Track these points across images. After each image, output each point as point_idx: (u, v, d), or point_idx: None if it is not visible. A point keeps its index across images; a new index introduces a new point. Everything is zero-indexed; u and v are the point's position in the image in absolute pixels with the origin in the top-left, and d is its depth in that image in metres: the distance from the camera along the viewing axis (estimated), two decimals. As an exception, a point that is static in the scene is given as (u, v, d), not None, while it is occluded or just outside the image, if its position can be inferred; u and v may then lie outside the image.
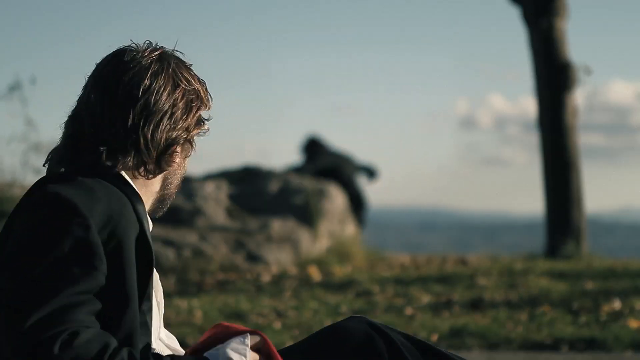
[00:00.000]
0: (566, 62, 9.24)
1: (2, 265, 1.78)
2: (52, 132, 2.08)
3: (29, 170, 7.69)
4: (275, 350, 1.91)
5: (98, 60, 2.01)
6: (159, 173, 2.00)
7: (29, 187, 1.88)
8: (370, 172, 10.88)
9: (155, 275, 1.99)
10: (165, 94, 1.94)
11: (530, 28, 9.33)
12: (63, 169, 1.95)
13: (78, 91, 2.01)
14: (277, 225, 8.47)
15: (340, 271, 7.93)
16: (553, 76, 9.22)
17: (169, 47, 2.01)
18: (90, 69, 2.00)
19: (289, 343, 5.13)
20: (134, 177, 1.96)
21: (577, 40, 9.26)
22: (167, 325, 5.63)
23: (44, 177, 1.93)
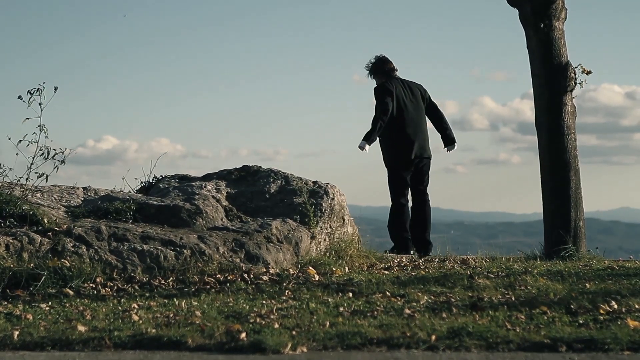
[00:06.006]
0: (566, 63, 9.25)
1: None
2: (60, 139, 2.08)
3: (32, 174, 7.69)
4: None
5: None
6: None
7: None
8: None
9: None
10: None
11: (530, 29, 9.34)
12: None
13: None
14: (277, 226, 8.48)
15: (339, 271, 7.94)
16: (552, 77, 9.23)
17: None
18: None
19: (289, 343, 5.15)
20: None
21: (569, 43, 9.22)
22: (167, 325, 5.64)
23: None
